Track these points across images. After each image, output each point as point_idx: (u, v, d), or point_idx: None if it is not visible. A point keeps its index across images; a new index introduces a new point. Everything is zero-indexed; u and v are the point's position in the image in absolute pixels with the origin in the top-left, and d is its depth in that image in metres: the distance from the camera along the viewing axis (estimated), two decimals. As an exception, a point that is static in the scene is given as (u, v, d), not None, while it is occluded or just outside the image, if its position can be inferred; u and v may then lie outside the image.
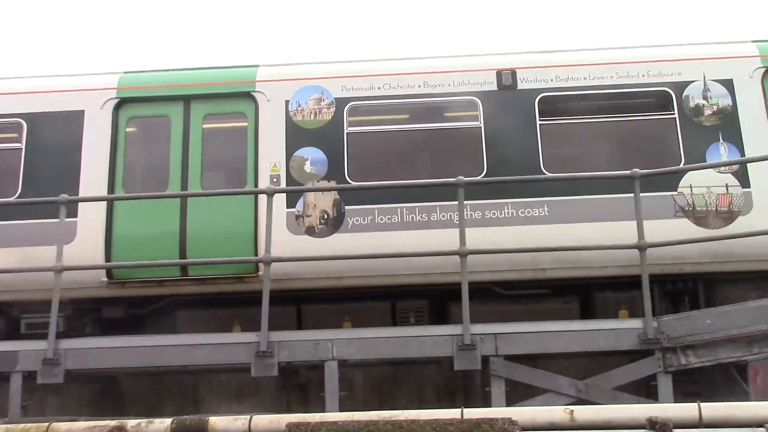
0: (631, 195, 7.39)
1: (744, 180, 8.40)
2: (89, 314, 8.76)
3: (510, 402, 7.03)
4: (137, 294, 8.52)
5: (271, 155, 8.61)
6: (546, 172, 8.43)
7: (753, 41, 9.09)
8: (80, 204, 8.41)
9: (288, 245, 8.16)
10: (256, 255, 8.30)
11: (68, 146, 8.70)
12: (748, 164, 8.32)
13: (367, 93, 8.82)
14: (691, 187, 8.46)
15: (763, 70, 8.66)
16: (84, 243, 8.30)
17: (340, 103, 8.77)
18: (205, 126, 8.85)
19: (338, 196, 8.54)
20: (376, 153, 8.87)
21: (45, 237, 8.21)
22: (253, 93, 8.88)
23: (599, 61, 8.90)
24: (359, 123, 8.82)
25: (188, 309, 8.80)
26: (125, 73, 9.13)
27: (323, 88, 8.86)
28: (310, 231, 8.37)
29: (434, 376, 8.70)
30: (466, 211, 8.03)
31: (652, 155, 8.63)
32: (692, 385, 7.66)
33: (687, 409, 5.68)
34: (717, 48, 9.08)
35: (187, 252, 8.43)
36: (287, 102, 8.79)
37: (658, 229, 7.70)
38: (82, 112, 8.79)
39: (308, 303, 8.69)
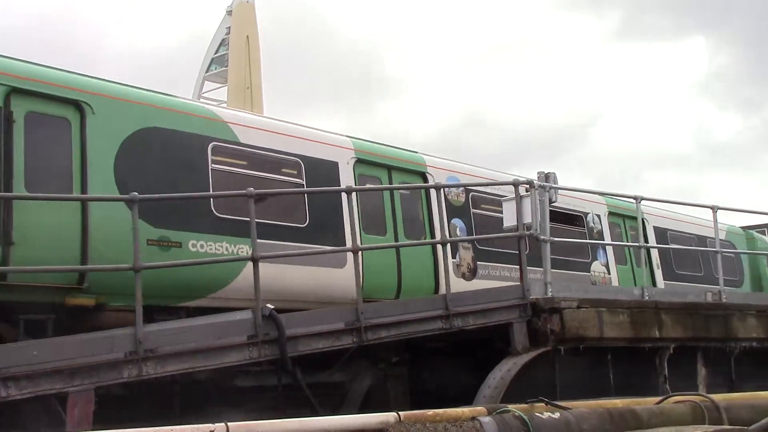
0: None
1: (609, 271, 15.46)
2: None
3: None
4: None
5: (438, 219, 11.43)
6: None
7: (601, 194, 15.78)
8: (347, 237, 10.13)
9: (455, 284, 10.33)
10: (437, 289, 11.57)
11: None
12: (610, 263, 15.57)
13: (479, 188, 13.24)
14: (594, 272, 14.99)
15: (608, 212, 15.77)
16: (350, 269, 9.36)
17: (467, 192, 13.01)
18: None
19: (473, 254, 12.76)
20: (487, 227, 12.80)
21: (327, 260, 10.39)
22: (426, 173, 12.49)
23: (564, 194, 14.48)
24: (476, 207, 13.16)
25: None
26: (349, 137, 11.85)
27: (458, 179, 12.83)
28: (463, 276, 12.32)
29: None
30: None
31: (580, 250, 14.78)
32: (17, 416, 7.28)
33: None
34: (595, 197, 15.44)
35: (402, 283, 11.43)
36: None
37: None
38: (337, 163, 11.07)
39: None
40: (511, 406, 7.48)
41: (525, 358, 9.45)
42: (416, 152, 13.08)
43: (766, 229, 40.92)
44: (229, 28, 29.01)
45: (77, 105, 8.49)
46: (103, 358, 7.08)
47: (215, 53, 29.77)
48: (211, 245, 9.28)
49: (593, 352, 10.04)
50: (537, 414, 7.28)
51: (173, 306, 9.08)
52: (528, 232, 10.15)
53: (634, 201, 11.70)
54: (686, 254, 17.34)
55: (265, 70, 28.58)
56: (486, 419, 7.16)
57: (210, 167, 9.59)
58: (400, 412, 7.04)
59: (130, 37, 62.93)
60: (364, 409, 9.52)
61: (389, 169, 11.98)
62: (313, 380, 9.08)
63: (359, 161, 11.48)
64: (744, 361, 11.70)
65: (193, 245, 9.18)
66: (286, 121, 11.18)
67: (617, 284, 15.18)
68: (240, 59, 27.19)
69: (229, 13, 29.13)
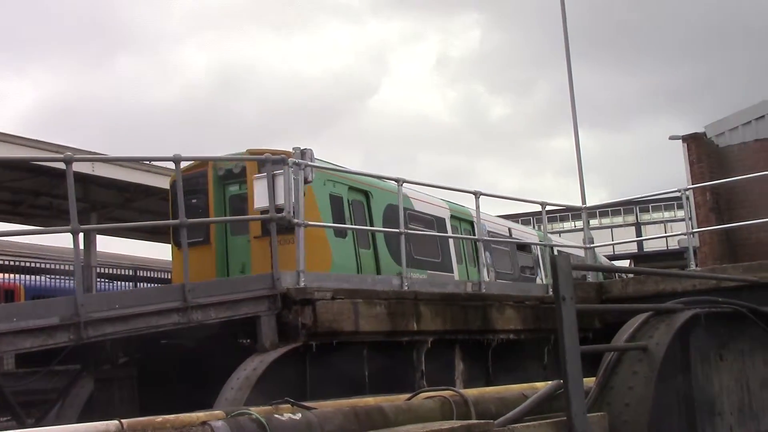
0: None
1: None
2: None
3: None
4: None
5: (481, 249, 16.83)
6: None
7: (536, 229, 24.58)
8: (454, 265, 16.40)
9: None
10: None
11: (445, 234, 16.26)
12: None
13: (495, 229, 18.87)
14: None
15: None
16: (456, 274, 16.41)
17: (489, 232, 17.93)
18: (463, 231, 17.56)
19: (494, 273, 17.74)
20: (500, 254, 18.82)
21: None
22: (472, 221, 16.82)
23: (517, 229, 21.17)
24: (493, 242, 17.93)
25: None
26: (444, 199, 16.86)
27: (486, 225, 17.65)
28: None
29: None
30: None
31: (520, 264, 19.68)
32: None
33: None
34: (531, 231, 23.06)
35: None
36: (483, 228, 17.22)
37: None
38: (444, 218, 16.57)
39: None
40: (252, 409, 6.74)
41: (273, 355, 8.64)
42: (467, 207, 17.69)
43: (532, 218, 42.60)
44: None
45: (366, 193, 13.87)
46: None
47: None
48: (414, 275, 12.88)
49: (348, 347, 9.45)
50: (277, 416, 6.53)
51: None
52: (279, 215, 9.32)
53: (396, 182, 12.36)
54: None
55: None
56: (218, 423, 6.12)
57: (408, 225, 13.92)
58: (123, 420, 6.06)
59: None
60: (84, 416, 8.26)
61: (460, 219, 17.46)
62: (22, 387, 7.74)
63: (451, 216, 17.03)
64: (501, 353, 11.73)
65: None
66: (425, 193, 16.01)
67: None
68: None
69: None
